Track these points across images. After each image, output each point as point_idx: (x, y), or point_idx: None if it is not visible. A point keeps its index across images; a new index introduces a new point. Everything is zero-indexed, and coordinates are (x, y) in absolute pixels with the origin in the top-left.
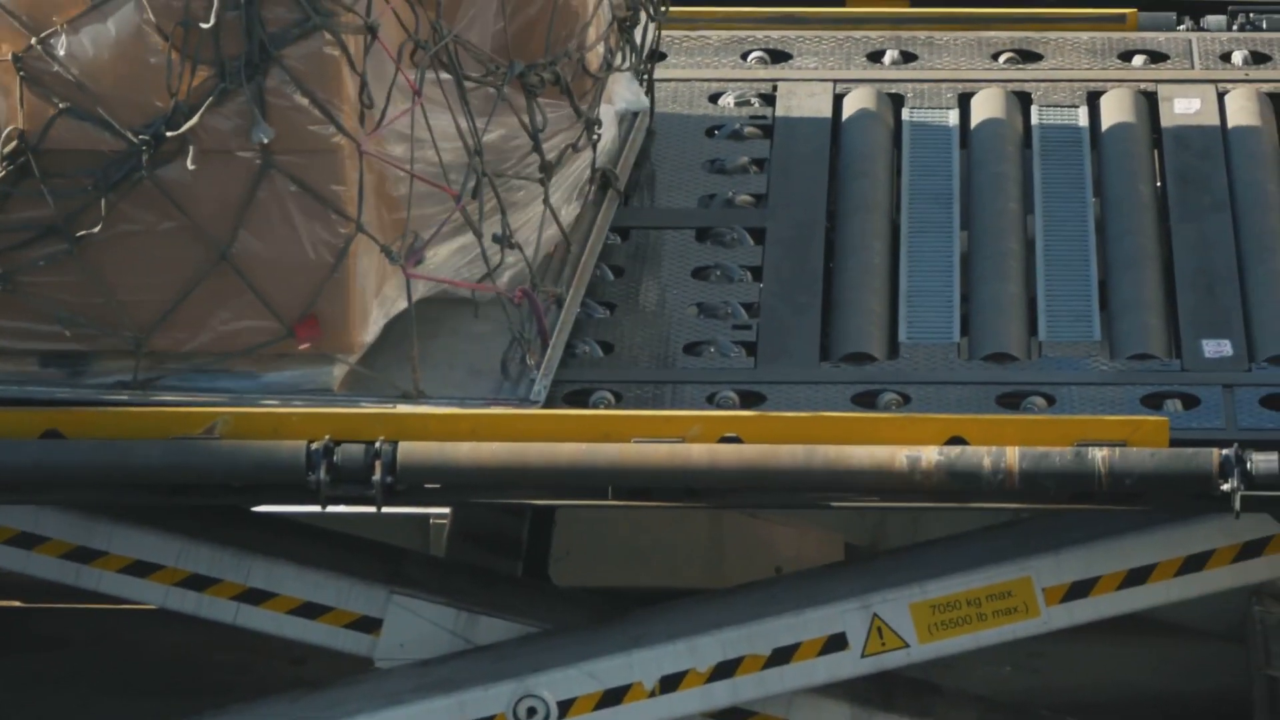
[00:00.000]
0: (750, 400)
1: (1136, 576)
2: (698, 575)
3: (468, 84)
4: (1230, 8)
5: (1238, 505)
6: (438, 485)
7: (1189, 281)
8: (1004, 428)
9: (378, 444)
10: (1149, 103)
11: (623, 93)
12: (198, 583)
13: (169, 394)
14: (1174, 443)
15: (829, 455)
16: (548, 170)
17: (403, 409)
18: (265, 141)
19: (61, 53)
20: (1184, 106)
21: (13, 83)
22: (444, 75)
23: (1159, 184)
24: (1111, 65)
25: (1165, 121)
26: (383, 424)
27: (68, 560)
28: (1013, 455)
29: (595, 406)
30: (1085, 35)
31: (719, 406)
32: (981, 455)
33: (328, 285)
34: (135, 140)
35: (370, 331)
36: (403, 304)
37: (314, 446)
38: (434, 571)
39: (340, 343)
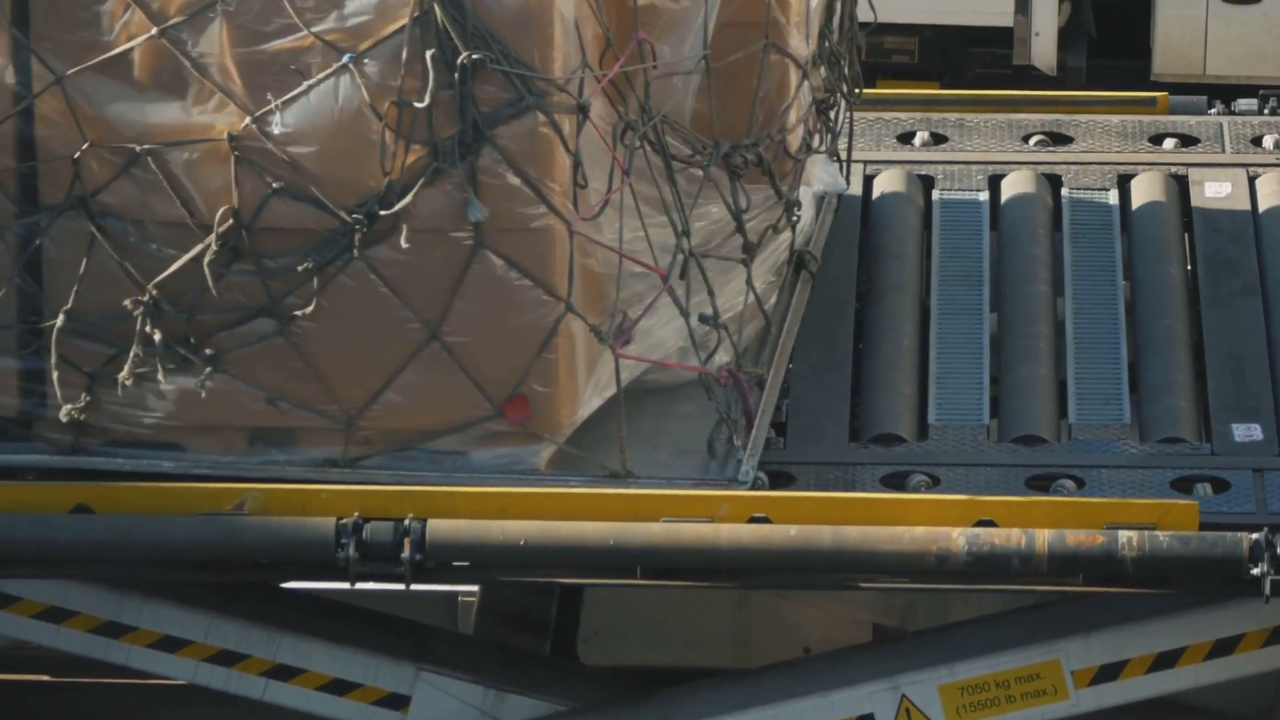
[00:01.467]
0: (779, 480)
1: (1166, 660)
2: (725, 655)
3: (675, 164)
4: (1261, 92)
5: (1268, 590)
6: (466, 563)
7: (1219, 365)
8: (1033, 510)
9: (407, 521)
10: (1180, 186)
11: (820, 174)
12: (226, 658)
13: (378, 473)
14: (1204, 527)
15: (857, 537)
16: (750, 251)
17: (431, 487)
18: (479, 220)
19: (276, 132)
20: (1215, 190)
21: (228, 163)
22: (651, 156)
23: (1189, 267)
24: (1142, 148)
25: (1196, 205)
26: (411, 501)
27: (97, 635)
28: (1042, 538)
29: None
30: (1116, 118)
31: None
32: (1010, 537)
33: (536, 364)
34: (348, 219)
35: (579, 412)
36: (610, 384)
37: (343, 523)
38: (462, 649)
39: (549, 422)
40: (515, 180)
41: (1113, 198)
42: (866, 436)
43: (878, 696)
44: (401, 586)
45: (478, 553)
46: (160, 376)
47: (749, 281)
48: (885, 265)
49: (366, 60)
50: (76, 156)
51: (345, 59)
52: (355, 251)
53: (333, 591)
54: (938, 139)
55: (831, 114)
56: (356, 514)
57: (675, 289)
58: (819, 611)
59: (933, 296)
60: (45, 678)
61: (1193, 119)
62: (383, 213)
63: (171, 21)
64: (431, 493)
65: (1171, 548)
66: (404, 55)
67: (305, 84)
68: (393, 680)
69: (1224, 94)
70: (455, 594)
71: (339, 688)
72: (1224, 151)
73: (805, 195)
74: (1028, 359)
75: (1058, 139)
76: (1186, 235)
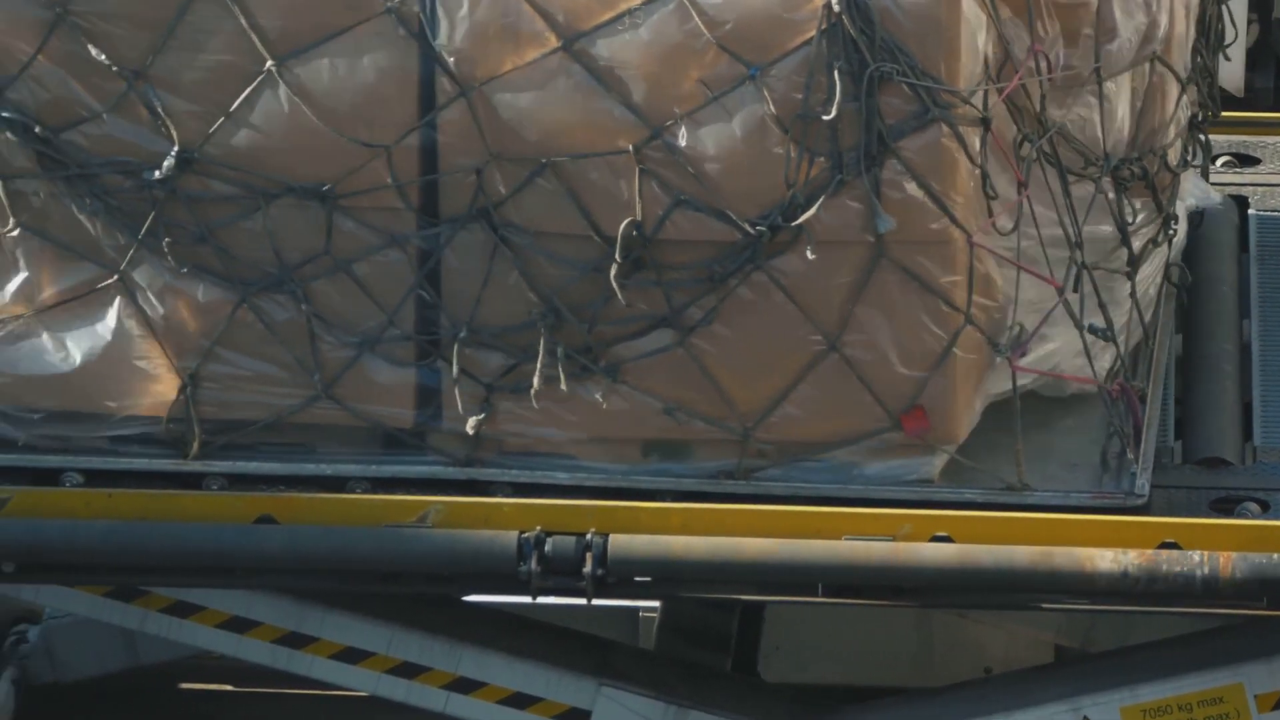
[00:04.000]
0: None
1: None
2: (906, 674)
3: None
4: None
5: None
6: (648, 578)
7: None
8: (1217, 533)
9: (589, 536)
10: None
11: (1192, 189)
12: (408, 670)
13: (773, 484)
14: None
15: (1038, 557)
16: (1135, 264)
17: (620, 502)
18: (886, 231)
19: (680, 144)
20: None
21: (631, 175)
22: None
23: None
24: None
25: None
26: (594, 516)
27: (279, 645)
28: (1225, 561)
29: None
30: None
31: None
32: (1194, 560)
33: (934, 376)
34: (751, 231)
35: (972, 423)
36: (996, 395)
37: (525, 537)
38: (643, 664)
39: (944, 434)
40: (917, 192)
41: None
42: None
43: (1059, 718)
44: (583, 601)
45: (659, 568)
46: (562, 387)
47: (1133, 294)
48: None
49: (771, 72)
50: (480, 168)
51: (751, 71)
52: (759, 263)
53: (513, 605)
54: (1248, 161)
55: (1202, 129)
56: (539, 528)
57: (1069, 301)
58: (1001, 631)
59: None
60: (228, 687)
61: None
62: (786, 224)
63: (579, 34)
64: (614, 508)
65: None
66: (811, 67)
67: (710, 96)
68: (574, 695)
69: None
70: (636, 609)
71: (520, 701)
72: None
73: (1180, 210)
74: (1212, 379)
75: (1245, 160)
76: None
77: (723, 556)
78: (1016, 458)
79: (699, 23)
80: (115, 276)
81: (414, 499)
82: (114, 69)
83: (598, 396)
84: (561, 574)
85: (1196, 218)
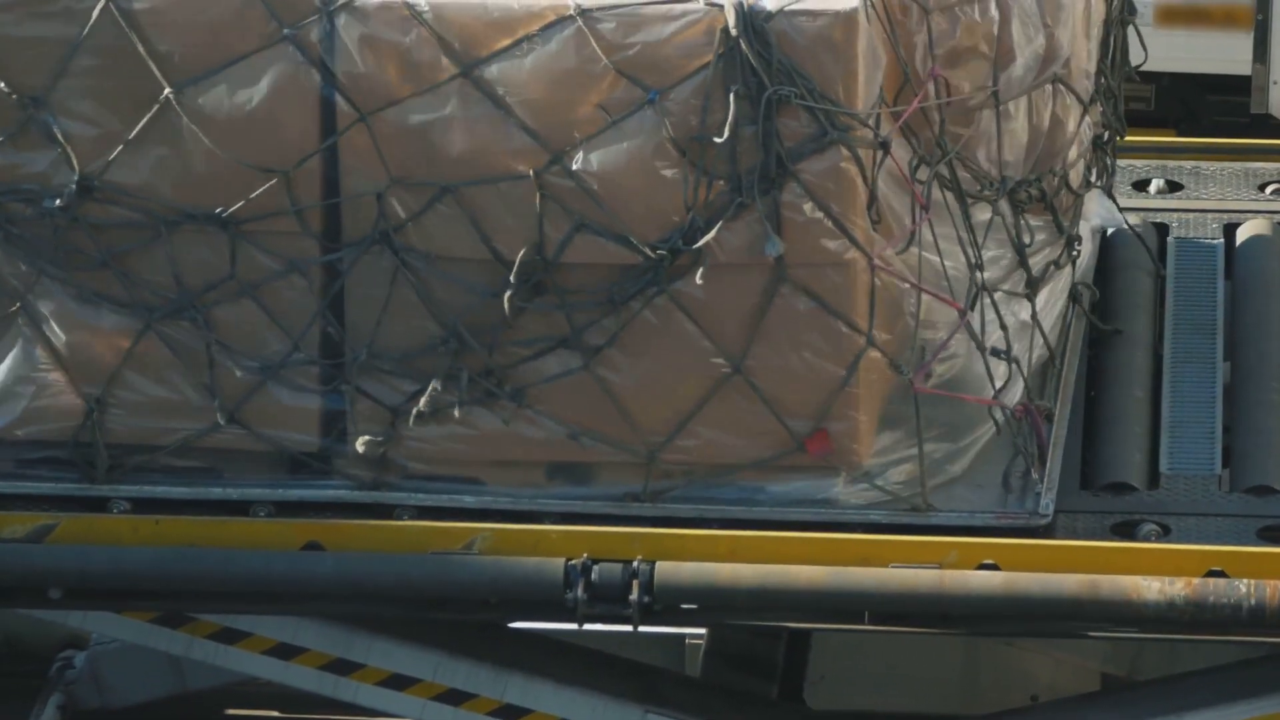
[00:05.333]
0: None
1: None
2: (952, 701)
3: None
4: None
5: None
6: (695, 605)
7: None
8: (1264, 561)
9: (635, 563)
10: None
11: (1097, 209)
12: (454, 697)
13: (679, 506)
14: None
15: (1086, 585)
16: (1034, 286)
17: (663, 530)
18: (778, 255)
19: (579, 169)
20: None
21: (532, 200)
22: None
23: None
24: None
25: None
26: (640, 543)
27: (326, 672)
28: (1273, 589)
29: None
30: None
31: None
32: (1240, 588)
33: (837, 397)
34: (651, 254)
35: (875, 445)
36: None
37: (572, 564)
38: (689, 691)
39: (848, 456)
40: (817, 215)
41: None
42: (1097, 484)
43: None
44: (630, 628)
45: (706, 596)
46: (455, 413)
47: (1034, 316)
48: (1118, 312)
49: (670, 96)
50: (381, 193)
51: (650, 96)
52: (660, 286)
53: (559, 632)
54: (1173, 186)
55: (1107, 150)
56: (585, 555)
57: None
58: (1047, 659)
59: (1166, 344)
60: (274, 713)
61: None
62: (686, 247)
63: (477, 60)
64: (661, 535)
65: None
66: (708, 91)
67: (609, 121)
68: None
69: None
70: (682, 636)
71: None
72: None
73: (1084, 230)
74: (1261, 409)
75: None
76: None
77: (770, 584)
78: (921, 479)
79: (596, 48)
80: (17, 305)
81: (461, 526)
82: (13, 96)
83: (501, 420)
84: (608, 601)
85: (1100, 237)
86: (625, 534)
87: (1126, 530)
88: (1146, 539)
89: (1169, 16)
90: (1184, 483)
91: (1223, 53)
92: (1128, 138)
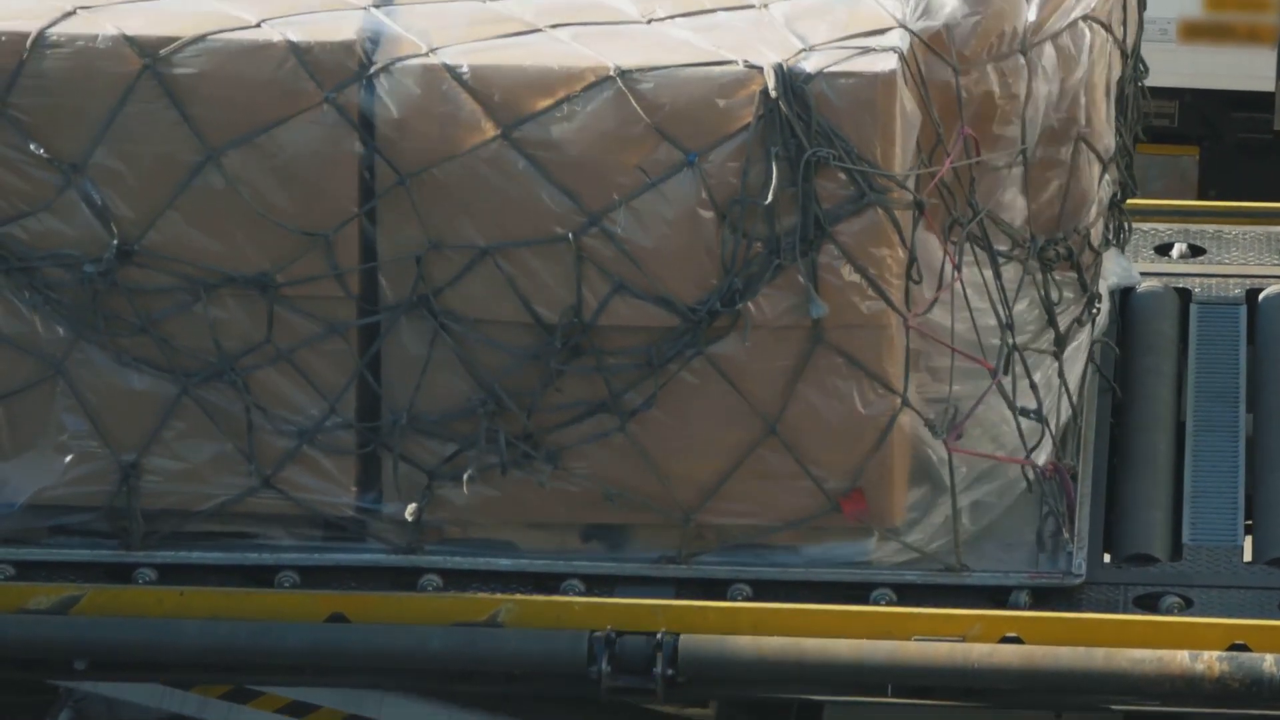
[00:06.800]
0: (1032, 600)
1: None
2: None
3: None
4: None
5: None
6: (719, 679)
7: None
8: None
9: (659, 635)
10: None
11: (1114, 268)
12: None
13: (714, 567)
14: None
15: (1109, 658)
16: (1062, 344)
17: (686, 602)
18: (820, 316)
19: (618, 231)
20: None
21: (570, 262)
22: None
23: None
24: None
25: None
26: (664, 615)
27: None
28: None
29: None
30: None
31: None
32: (1265, 662)
33: (871, 458)
34: (690, 317)
35: (908, 504)
36: (940, 478)
37: (596, 637)
38: None
39: (882, 515)
40: (854, 276)
41: None
42: (1120, 555)
43: None
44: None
45: (730, 669)
46: (502, 474)
47: (1060, 374)
48: (1140, 379)
49: (709, 158)
50: (420, 256)
51: (689, 158)
52: (698, 348)
53: None
54: (1195, 251)
55: (1122, 208)
56: (610, 627)
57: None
58: None
59: (1188, 412)
60: None
61: None
62: (724, 309)
63: (518, 121)
64: (684, 607)
65: None
66: (748, 153)
67: (648, 182)
68: None
69: None
70: None
71: None
72: None
73: (1101, 288)
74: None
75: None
76: None
77: (793, 657)
78: (955, 539)
79: (636, 109)
80: (54, 371)
81: (484, 597)
82: (53, 163)
83: (538, 482)
84: (632, 674)
85: (1119, 296)
86: (648, 606)
87: (1149, 603)
88: (1169, 612)
89: (1192, 33)
90: (1206, 554)
91: (1246, 69)
92: (1154, 201)
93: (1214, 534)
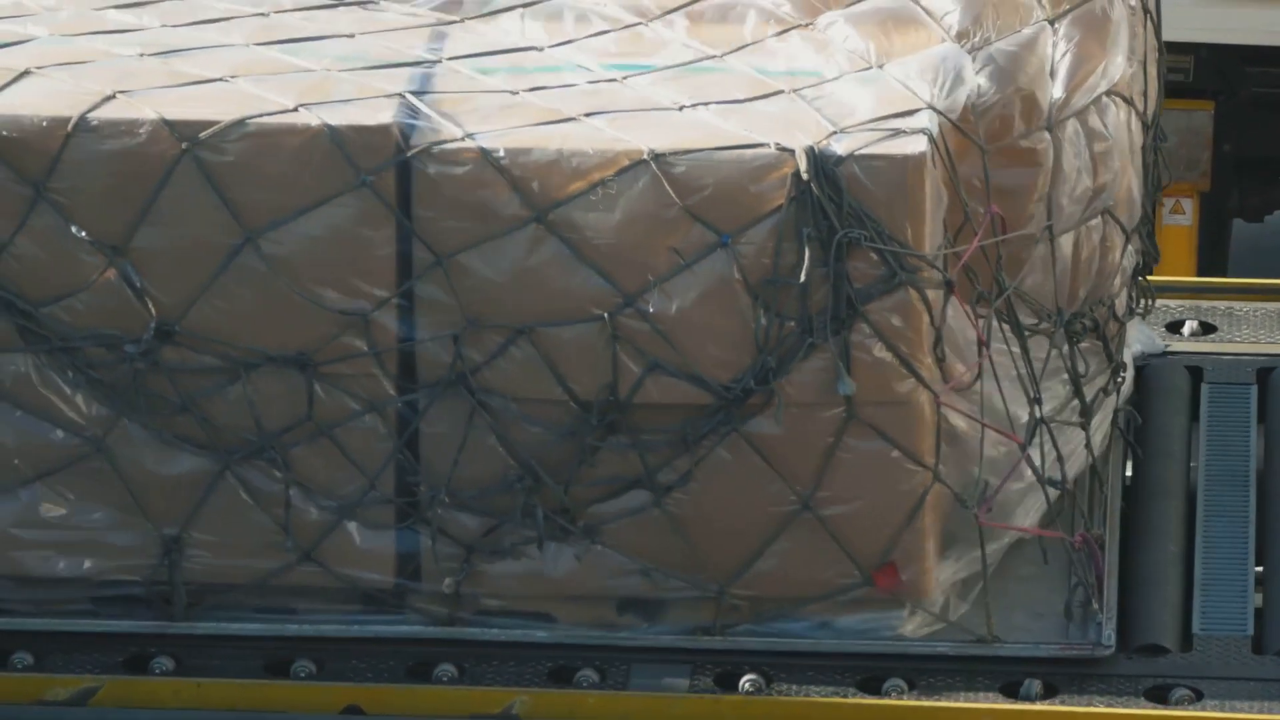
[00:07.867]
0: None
1: None
2: None
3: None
4: None
5: None
6: None
7: None
8: None
9: None
10: None
11: (1137, 336)
12: None
13: (748, 639)
14: None
15: None
16: (1089, 415)
17: (697, 695)
18: (850, 394)
19: (652, 311)
20: None
21: (605, 342)
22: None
23: None
24: None
25: None
26: (678, 708)
27: None
28: None
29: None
30: None
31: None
32: None
33: (904, 532)
34: (725, 395)
35: (942, 578)
36: (971, 551)
37: None
38: None
39: (915, 589)
40: (884, 354)
41: None
42: (1130, 646)
43: None
44: None
45: None
46: (539, 549)
47: (1088, 445)
48: (1151, 461)
49: (742, 239)
50: (457, 335)
51: (723, 239)
52: (732, 426)
53: None
54: (1206, 329)
55: (1144, 276)
56: None
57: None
58: None
59: (1199, 497)
60: None
61: None
62: (758, 388)
63: (553, 204)
64: (695, 700)
65: None
66: (780, 234)
67: (682, 263)
68: None
69: None
70: None
71: None
72: None
73: (1126, 357)
74: None
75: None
76: None
77: None
78: (986, 610)
79: (670, 191)
80: (95, 448)
81: (500, 691)
82: (94, 245)
83: (575, 556)
84: None
85: (1135, 370)
86: (661, 699)
87: (1159, 695)
88: (1179, 704)
89: None
90: (1216, 644)
91: (1262, 23)
92: (1166, 277)
93: (1224, 624)
